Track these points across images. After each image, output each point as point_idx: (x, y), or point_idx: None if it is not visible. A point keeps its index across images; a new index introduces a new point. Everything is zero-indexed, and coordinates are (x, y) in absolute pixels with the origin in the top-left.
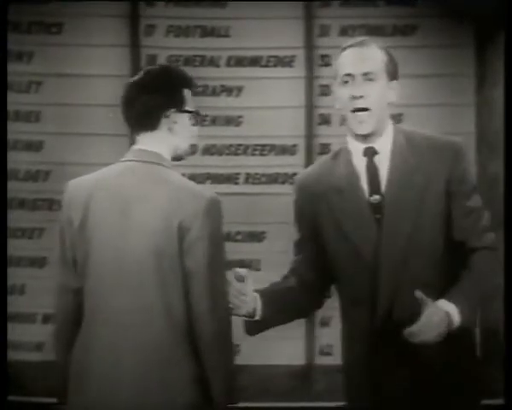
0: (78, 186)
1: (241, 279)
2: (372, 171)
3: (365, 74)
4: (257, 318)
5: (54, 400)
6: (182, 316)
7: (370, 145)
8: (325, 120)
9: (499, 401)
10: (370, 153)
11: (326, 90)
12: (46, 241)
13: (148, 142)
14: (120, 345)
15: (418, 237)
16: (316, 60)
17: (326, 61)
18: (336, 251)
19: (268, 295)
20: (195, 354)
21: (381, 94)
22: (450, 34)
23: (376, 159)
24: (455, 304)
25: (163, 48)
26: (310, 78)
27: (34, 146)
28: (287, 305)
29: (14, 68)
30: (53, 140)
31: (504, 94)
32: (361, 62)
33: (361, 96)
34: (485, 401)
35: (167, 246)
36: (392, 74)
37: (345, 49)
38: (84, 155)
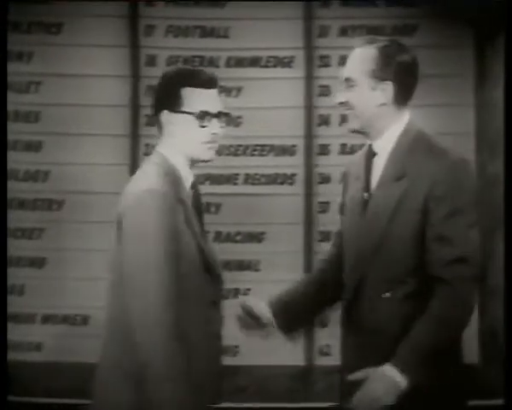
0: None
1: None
2: (367, 169)
3: (346, 80)
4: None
5: (53, 400)
6: None
7: (370, 144)
8: (324, 121)
9: (499, 402)
10: (369, 153)
11: (325, 91)
12: (46, 241)
13: (161, 145)
14: None
15: (389, 240)
16: (315, 60)
17: (325, 62)
18: (340, 241)
19: (276, 306)
20: None
21: (361, 98)
22: (449, 34)
23: (376, 158)
24: (398, 367)
25: (162, 48)
26: (309, 78)
27: (34, 146)
28: (299, 312)
29: (13, 68)
30: (52, 140)
31: (504, 94)
32: (345, 68)
33: (341, 103)
34: (485, 402)
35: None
36: (382, 76)
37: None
38: (83, 156)
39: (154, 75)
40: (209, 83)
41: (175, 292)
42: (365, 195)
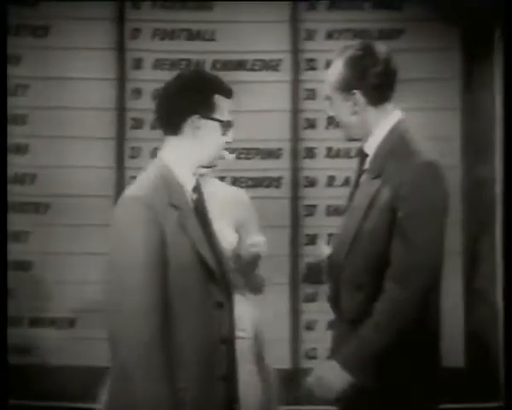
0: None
1: None
2: (359, 170)
3: (326, 97)
4: None
5: (52, 403)
6: None
7: (362, 146)
8: (311, 124)
9: (494, 404)
10: (360, 154)
11: (312, 95)
12: (32, 244)
13: (168, 148)
14: None
15: (363, 235)
16: (302, 64)
17: (312, 65)
18: None
19: None
20: None
21: (338, 111)
22: (436, 38)
23: (368, 158)
24: (340, 364)
25: (149, 51)
26: (296, 82)
27: (21, 149)
28: None
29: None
30: (40, 143)
31: (504, 97)
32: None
33: (330, 116)
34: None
35: None
36: (348, 86)
37: None
38: (70, 159)
39: (140, 78)
40: (231, 93)
41: (156, 298)
42: (354, 192)
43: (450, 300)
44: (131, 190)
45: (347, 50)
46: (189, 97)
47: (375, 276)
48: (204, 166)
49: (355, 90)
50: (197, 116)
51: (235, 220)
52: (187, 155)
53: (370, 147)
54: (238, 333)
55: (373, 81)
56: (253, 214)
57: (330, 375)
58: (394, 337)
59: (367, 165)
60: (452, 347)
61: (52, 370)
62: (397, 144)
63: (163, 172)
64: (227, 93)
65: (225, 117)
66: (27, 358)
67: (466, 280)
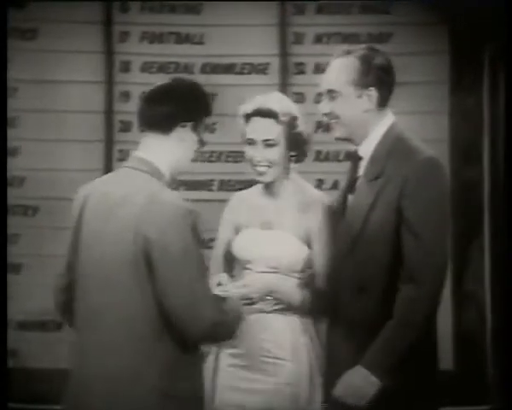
0: (82, 189)
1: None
2: (350, 172)
3: (329, 92)
4: None
5: (50, 407)
6: (156, 316)
7: (355, 149)
8: None
9: (484, 407)
10: (353, 157)
11: (300, 98)
12: (22, 247)
13: (150, 148)
14: (102, 346)
15: (364, 238)
16: (290, 67)
17: (300, 69)
18: None
19: None
20: (167, 348)
21: (346, 107)
22: (424, 42)
23: (361, 162)
24: (367, 368)
25: (137, 54)
26: (284, 85)
27: (10, 152)
28: None
29: None
30: (28, 146)
31: (491, 100)
32: (326, 80)
33: (325, 114)
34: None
35: (137, 254)
36: (365, 83)
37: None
38: (58, 161)
39: (128, 81)
40: (210, 114)
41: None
42: (348, 196)
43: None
44: (173, 198)
45: (355, 50)
46: (191, 104)
47: (379, 278)
48: (177, 173)
49: (372, 87)
50: (191, 124)
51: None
52: (162, 159)
53: (365, 150)
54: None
55: (386, 81)
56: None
57: (360, 381)
58: (417, 336)
59: (362, 168)
60: (441, 349)
61: (38, 373)
62: (395, 145)
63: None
64: (210, 115)
65: (203, 136)
66: (14, 361)
67: (454, 282)
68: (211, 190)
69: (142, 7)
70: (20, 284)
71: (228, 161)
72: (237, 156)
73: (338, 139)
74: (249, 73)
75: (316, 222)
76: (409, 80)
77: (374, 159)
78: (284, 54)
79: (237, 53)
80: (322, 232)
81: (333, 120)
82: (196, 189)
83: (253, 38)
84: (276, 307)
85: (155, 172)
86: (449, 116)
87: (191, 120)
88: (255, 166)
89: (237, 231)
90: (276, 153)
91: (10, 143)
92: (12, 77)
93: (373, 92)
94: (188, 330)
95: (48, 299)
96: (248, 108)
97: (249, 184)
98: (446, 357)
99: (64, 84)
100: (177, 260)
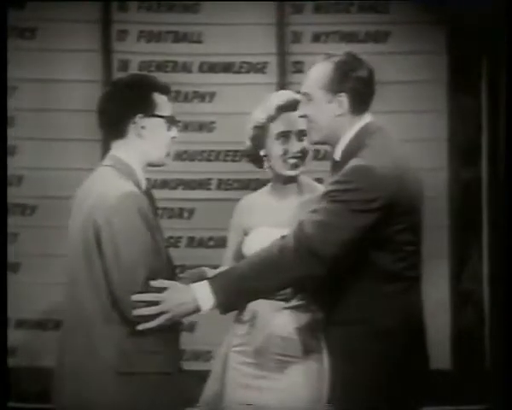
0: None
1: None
2: (330, 175)
3: (304, 95)
4: None
5: (50, 406)
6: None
7: (334, 155)
8: None
9: (482, 407)
10: (332, 161)
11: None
12: (20, 246)
13: (119, 149)
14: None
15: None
16: (288, 66)
17: (298, 68)
18: None
19: None
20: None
21: (318, 111)
22: (422, 41)
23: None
24: (212, 287)
25: (135, 53)
26: (282, 84)
27: (8, 151)
28: None
29: None
30: (26, 145)
31: (490, 99)
32: (304, 83)
33: (301, 116)
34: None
35: (88, 241)
36: (336, 89)
37: None
38: (56, 160)
39: None
40: (168, 90)
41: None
42: None
43: (437, 302)
44: (122, 187)
45: (335, 56)
46: (129, 99)
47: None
48: (153, 165)
49: (342, 93)
50: (140, 115)
51: None
52: (131, 156)
53: (338, 154)
54: None
55: (360, 87)
56: None
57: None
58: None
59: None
60: (439, 349)
61: (36, 371)
62: (356, 149)
63: (127, 171)
64: (164, 90)
65: (167, 112)
66: (13, 359)
67: (453, 282)
68: (209, 189)
69: (140, 6)
70: (19, 283)
71: (226, 160)
72: (235, 155)
73: (314, 143)
74: (247, 72)
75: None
76: (407, 79)
77: (341, 162)
78: (282, 53)
79: (235, 52)
80: None
81: (308, 124)
82: (194, 188)
83: (251, 37)
84: (287, 305)
85: (125, 168)
86: (447, 115)
87: (136, 112)
88: (289, 159)
89: (246, 233)
90: (307, 144)
91: (8, 142)
92: (11, 76)
93: (343, 98)
94: (128, 315)
95: (46, 298)
96: (280, 101)
97: (248, 182)
98: (444, 357)
99: (62, 83)
100: (119, 243)
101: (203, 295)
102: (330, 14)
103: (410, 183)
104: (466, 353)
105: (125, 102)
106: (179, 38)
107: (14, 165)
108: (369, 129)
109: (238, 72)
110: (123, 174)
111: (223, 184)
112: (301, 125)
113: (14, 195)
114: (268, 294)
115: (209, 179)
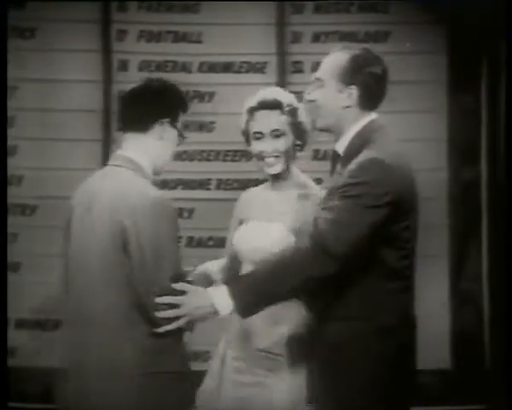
0: (75, 191)
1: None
2: (330, 169)
3: (316, 80)
4: None
5: (52, 406)
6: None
7: (335, 147)
8: None
9: (481, 406)
10: (333, 155)
11: (298, 97)
12: (20, 246)
13: (131, 147)
14: (89, 340)
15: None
16: (288, 66)
17: (298, 68)
18: None
19: None
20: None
21: (328, 98)
22: (422, 40)
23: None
24: (230, 291)
25: (135, 53)
26: (282, 84)
27: (8, 151)
28: None
29: None
30: (27, 145)
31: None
32: (318, 68)
33: (310, 100)
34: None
35: (114, 244)
36: (348, 80)
37: None
38: (56, 161)
39: (126, 80)
40: (187, 109)
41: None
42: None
43: (436, 301)
44: (153, 191)
45: (353, 48)
46: (167, 99)
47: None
48: (155, 171)
49: (353, 86)
50: (167, 119)
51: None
52: (146, 156)
53: (341, 147)
54: None
55: (371, 83)
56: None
57: (215, 297)
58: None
59: (339, 165)
60: (439, 349)
61: (36, 371)
62: (359, 147)
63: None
64: (186, 110)
65: (180, 127)
66: (13, 360)
67: (452, 282)
68: (208, 189)
69: (139, 6)
70: (18, 282)
71: (225, 160)
72: (235, 155)
73: (319, 129)
74: (247, 71)
75: (312, 215)
76: (407, 79)
77: (343, 158)
78: (282, 53)
79: (235, 52)
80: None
81: (316, 109)
82: (193, 188)
83: (250, 37)
84: None
85: (139, 169)
86: (447, 115)
87: (168, 116)
88: (264, 158)
89: (241, 224)
90: (284, 143)
91: (8, 142)
92: (11, 76)
93: (354, 91)
94: (151, 316)
95: (46, 298)
96: (253, 102)
97: (247, 182)
98: (444, 357)
99: (62, 83)
100: (148, 248)
101: (222, 300)
102: (330, 14)
103: (411, 182)
104: (466, 353)
105: (162, 100)
106: (179, 37)
107: (14, 165)
108: (374, 126)
109: (238, 72)
110: (138, 175)
111: (222, 184)
112: (275, 125)
113: (14, 195)
114: (284, 296)
115: (209, 179)
